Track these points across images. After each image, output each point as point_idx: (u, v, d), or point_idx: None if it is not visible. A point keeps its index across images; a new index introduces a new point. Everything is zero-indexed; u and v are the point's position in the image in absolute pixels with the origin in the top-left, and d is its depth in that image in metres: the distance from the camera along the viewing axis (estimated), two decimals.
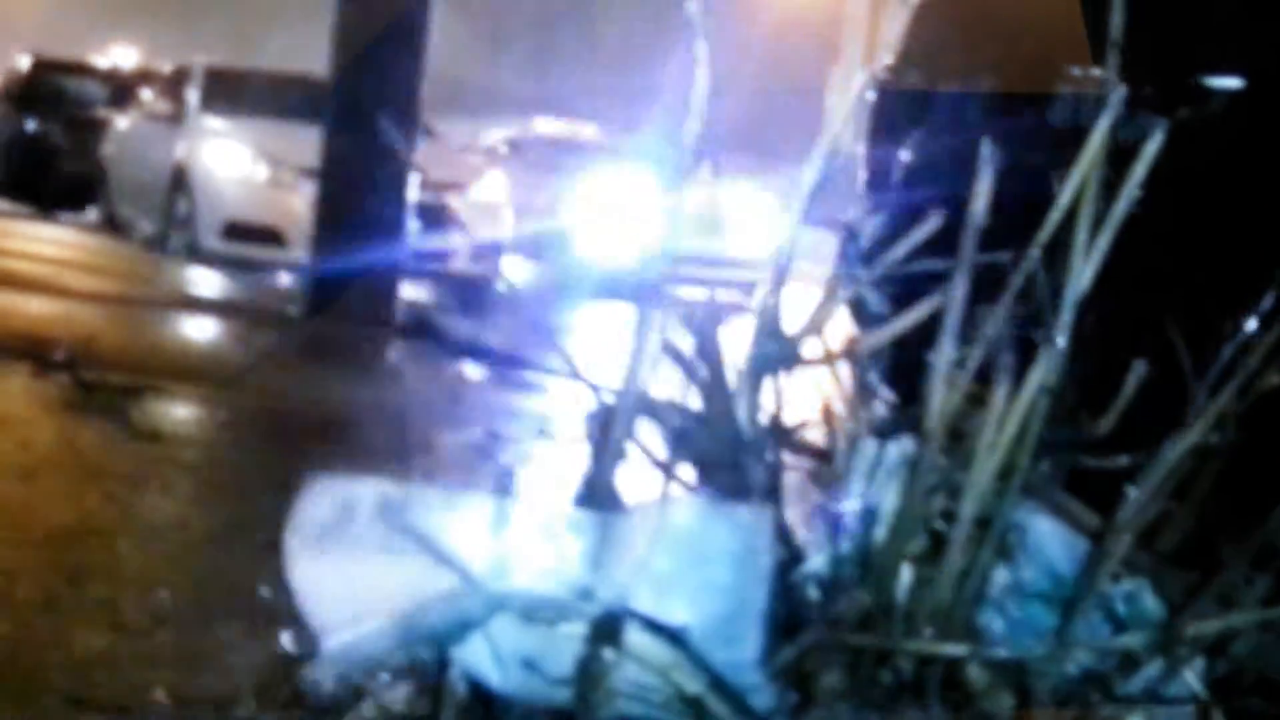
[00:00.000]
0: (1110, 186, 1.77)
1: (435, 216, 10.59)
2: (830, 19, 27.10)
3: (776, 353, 1.87)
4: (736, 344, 1.91)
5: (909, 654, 1.83)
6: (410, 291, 9.02)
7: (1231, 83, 3.88)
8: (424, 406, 5.81)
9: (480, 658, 1.73)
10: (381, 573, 1.78)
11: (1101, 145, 1.72)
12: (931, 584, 1.86)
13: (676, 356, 1.79)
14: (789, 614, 1.91)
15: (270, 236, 10.92)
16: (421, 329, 8.22)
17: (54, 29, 25.46)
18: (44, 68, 16.30)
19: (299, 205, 9.72)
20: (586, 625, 1.71)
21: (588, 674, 1.68)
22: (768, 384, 1.93)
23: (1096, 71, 3.33)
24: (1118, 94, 1.63)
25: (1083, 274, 1.75)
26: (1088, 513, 1.93)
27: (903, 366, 1.92)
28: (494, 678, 1.73)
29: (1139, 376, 1.98)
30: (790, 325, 1.91)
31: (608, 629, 1.69)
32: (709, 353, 1.79)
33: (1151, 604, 1.87)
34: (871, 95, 5.89)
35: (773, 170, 10.75)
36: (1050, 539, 1.92)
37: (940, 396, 1.80)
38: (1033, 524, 1.92)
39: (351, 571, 1.79)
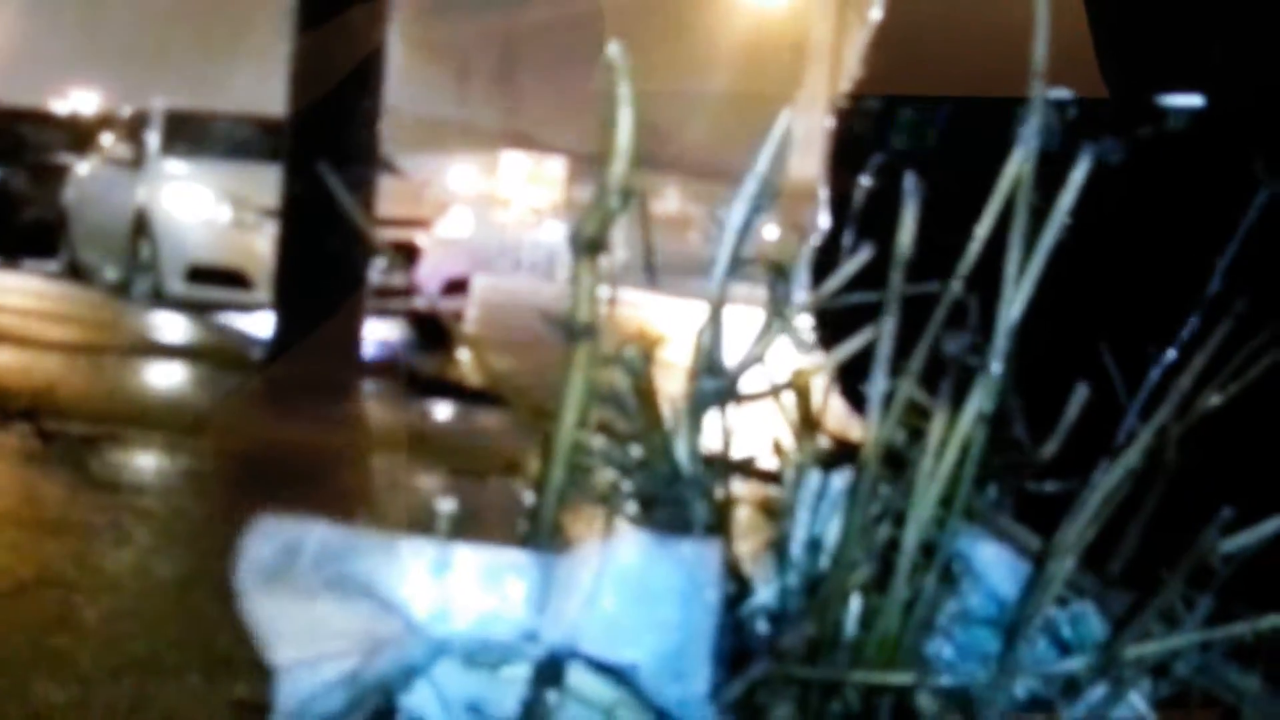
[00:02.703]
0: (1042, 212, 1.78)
1: (400, 254, 10.59)
2: (795, 45, 27.27)
3: (716, 387, 1.87)
4: (673, 379, 1.91)
5: (857, 685, 1.83)
6: (375, 330, 9.01)
7: (1190, 101, 3.91)
8: (388, 448, 5.80)
9: (426, 704, 1.73)
10: (331, 614, 1.77)
11: (1029, 169, 1.73)
12: (878, 613, 1.86)
13: (610, 395, 1.80)
14: (739, 648, 1.91)
15: (235, 279, 10.90)
16: (387, 368, 8.21)
17: (13, 76, 25.43)
18: (4, 115, 16.29)
19: (263, 246, 9.71)
20: (529, 667, 1.70)
21: (531, 716, 1.68)
22: (711, 418, 1.94)
23: (1058, 91, 3.37)
24: (1035, 122, 1.64)
25: (1014, 301, 1.76)
26: (1033, 537, 1.93)
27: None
28: None
29: (1080, 400, 1.99)
30: (730, 358, 1.91)
31: (550, 670, 1.69)
32: (643, 389, 1.79)
33: (1097, 627, 1.87)
34: (830, 120, 5.94)
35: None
36: (995, 565, 1.92)
37: (876, 425, 1.81)
38: (977, 550, 1.93)
39: (302, 612, 1.78)
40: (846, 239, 5.28)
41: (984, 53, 4.60)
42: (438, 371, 8.40)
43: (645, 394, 1.80)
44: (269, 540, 1.80)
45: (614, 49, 1.46)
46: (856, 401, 1.94)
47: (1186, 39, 4.02)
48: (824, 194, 5.69)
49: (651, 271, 2.03)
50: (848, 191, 5.38)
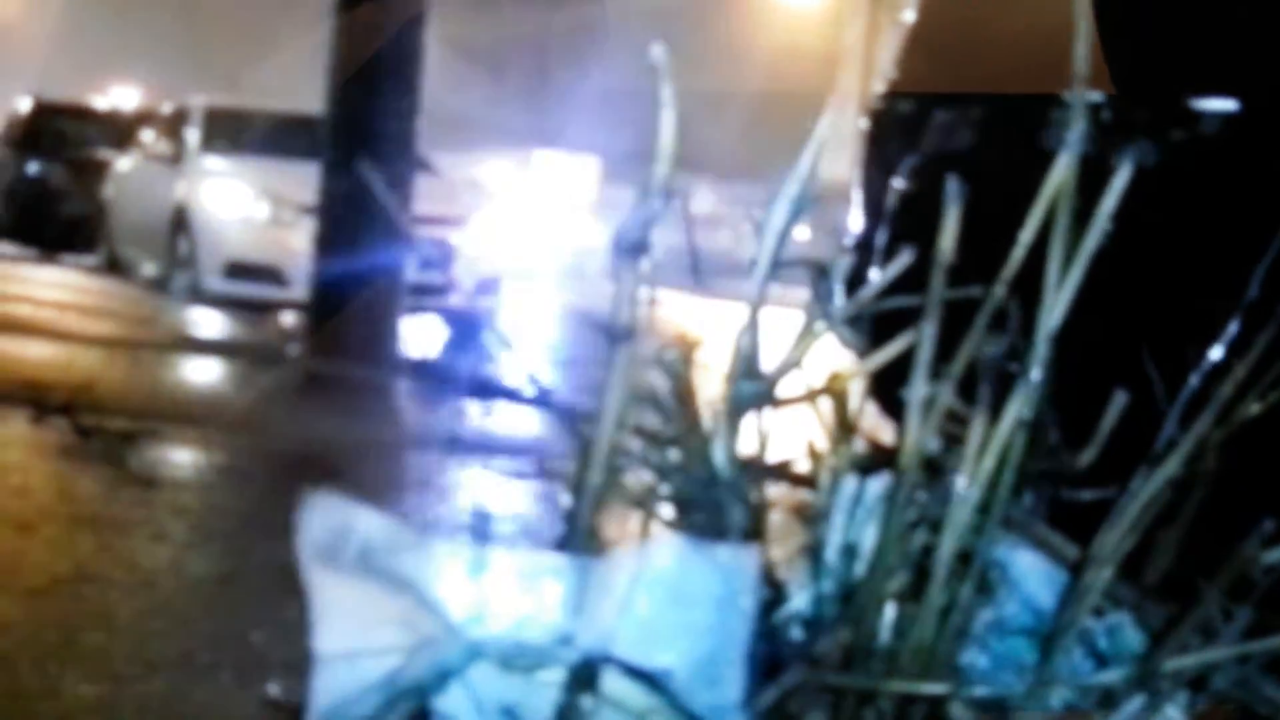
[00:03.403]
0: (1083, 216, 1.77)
1: (435, 251, 10.62)
2: (827, 50, 27.22)
3: (754, 391, 1.87)
4: (712, 382, 1.91)
5: (891, 693, 1.82)
6: (410, 327, 9.02)
7: (1224, 104, 3.87)
8: (423, 445, 5.81)
9: (461, 706, 1.73)
10: (378, 598, 1.77)
11: (1071, 176, 1.72)
12: (913, 621, 1.86)
13: (650, 397, 1.79)
14: (773, 654, 1.90)
15: (272, 275, 10.94)
16: (421, 365, 8.23)
17: (55, 71, 25.59)
18: (45, 110, 16.38)
19: (300, 243, 9.73)
20: (565, 671, 1.70)
21: None
22: (748, 422, 1.93)
23: (1092, 95, 3.33)
24: (1079, 126, 1.63)
25: (1055, 308, 1.75)
26: (1069, 546, 1.92)
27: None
28: None
29: (1119, 407, 1.98)
30: (768, 362, 1.91)
31: (585, 674, 1.69)
32: (682, 393, 1.79)
33: (1134, 638, 1.86)
34: (864, 123, 5.91)
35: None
36: (1031, 573, 1.91)
37: (915, 432, 1.80)
38: (1014, 558, 1.92)
39: (352, 591, 1.78)
40: (879, 241, 5.26)
41: (1019, 52, 4.57)
42: (472, 369, 8.41)
43: (684, 397, 1.80)
44: (324, 517, 1.80)
45: (657, 51, 1.46)
46: (892, 407, 1.94)
47: (1220, 40, 3.97)
48: (857, 196, 5.66)
49: (695, 273, 2.03)
50: (881, 193, 5.34)
